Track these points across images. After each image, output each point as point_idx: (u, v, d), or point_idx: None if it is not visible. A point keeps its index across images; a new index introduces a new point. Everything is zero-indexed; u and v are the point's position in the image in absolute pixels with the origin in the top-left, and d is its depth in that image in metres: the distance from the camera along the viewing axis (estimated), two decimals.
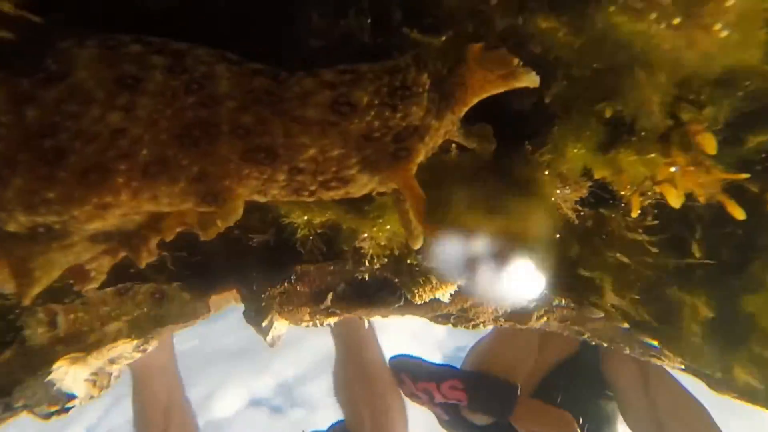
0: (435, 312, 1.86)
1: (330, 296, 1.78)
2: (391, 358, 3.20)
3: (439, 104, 0.88)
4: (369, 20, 0.80)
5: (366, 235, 1.15)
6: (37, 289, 0.82)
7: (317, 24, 0.78)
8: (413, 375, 2.90)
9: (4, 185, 0.69)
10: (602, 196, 1.36)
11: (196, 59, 0.78)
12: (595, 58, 0.95)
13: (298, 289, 1.76)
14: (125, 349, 1.91)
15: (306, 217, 1.12)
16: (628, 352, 1.89)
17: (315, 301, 1.79)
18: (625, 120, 1.12)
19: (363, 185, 0.87)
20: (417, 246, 1.01)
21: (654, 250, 1.32)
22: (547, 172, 1.18)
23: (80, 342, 1.64)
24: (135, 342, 1.87)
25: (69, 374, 1.74)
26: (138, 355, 2.06)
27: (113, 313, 1.69)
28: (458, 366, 3.01)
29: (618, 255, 1.39)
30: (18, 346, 1.49)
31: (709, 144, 1.13)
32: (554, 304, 1.84)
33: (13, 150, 0.69)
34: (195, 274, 1.66)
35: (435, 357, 3.23)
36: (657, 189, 1.23)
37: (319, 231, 1.18)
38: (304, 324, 2.00)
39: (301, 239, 1.18)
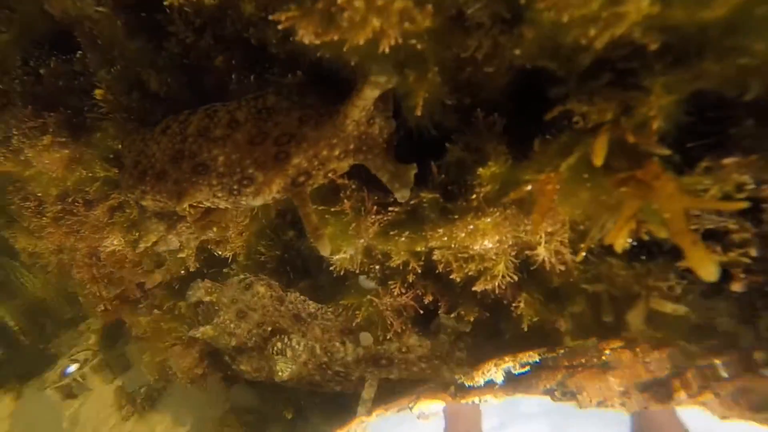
0: (528, 390, 1.60)
1: None
2: None
3: (318, 118, 1.17)
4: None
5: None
6: (143, 243, 1.55)
7: (235, 87, 1.24)
8: None
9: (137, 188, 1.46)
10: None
11: (195, 113, 1.36)
12: None
13: None
14: None
15: None
16: None
17: None
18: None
19: (261, 183, 1.21)
20: (323, 251, 1.20)
21: None
22: (474, 196, 1.05)
23: None
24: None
25: None
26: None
27: None
28: None
29: None
30: None
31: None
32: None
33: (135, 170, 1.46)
34: None
35: None
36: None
37: None
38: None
39: None
